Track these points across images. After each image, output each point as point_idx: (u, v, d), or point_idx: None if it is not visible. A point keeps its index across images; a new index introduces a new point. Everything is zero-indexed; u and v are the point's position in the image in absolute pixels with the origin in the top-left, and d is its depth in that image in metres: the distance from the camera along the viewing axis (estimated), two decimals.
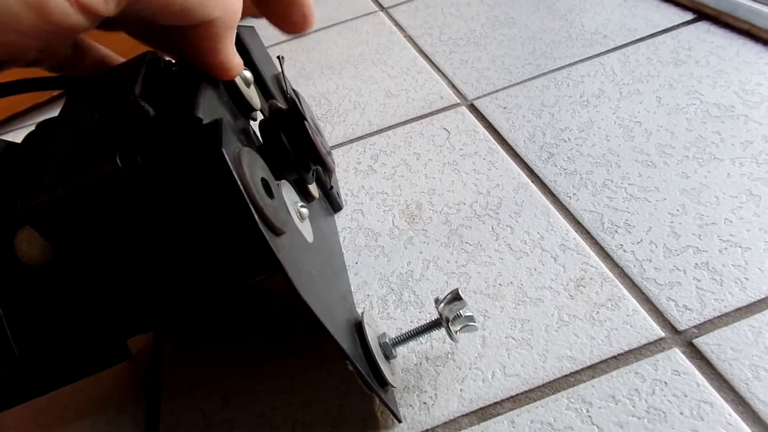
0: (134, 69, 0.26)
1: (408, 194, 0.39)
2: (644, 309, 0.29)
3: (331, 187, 0.36)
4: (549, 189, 0.37)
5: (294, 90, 0.32)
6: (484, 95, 0.47)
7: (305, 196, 0.30)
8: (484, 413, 0.27)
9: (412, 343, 0.30)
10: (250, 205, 0.19)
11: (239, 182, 0.19)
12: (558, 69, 0.47)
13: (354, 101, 0.51)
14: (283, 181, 0.26)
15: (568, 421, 0.25)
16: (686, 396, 0.25)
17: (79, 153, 0.21)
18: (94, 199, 0.20)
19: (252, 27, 0.34)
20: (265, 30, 0.70)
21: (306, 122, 0.26)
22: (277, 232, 0.20)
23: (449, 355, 0.29)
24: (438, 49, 0.55)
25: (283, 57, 0.33)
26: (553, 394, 0.27)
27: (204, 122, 0.20)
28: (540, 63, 0.49)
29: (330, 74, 0.56)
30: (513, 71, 0.49)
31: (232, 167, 0.19)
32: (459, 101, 0.47)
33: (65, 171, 0.21)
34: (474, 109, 0.46)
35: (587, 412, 0.26)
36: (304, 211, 0.26)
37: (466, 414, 0.27)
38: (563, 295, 0.30)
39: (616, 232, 0.33)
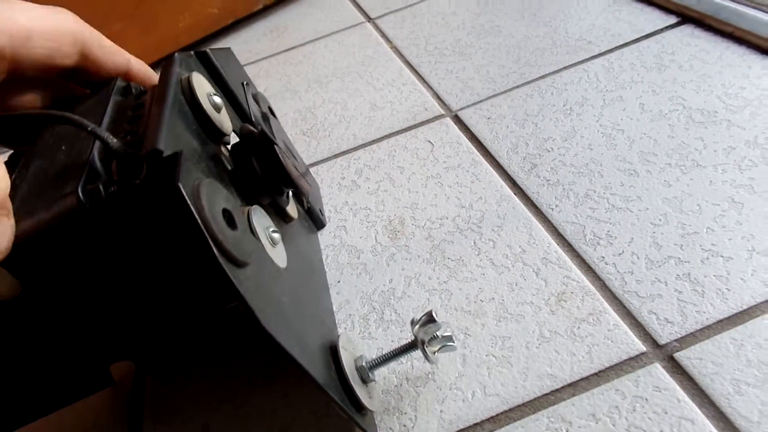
0: (104, 98, 0.26)
1: (391, 209, 0.39)
2: (625, 323, 0.29)
3: (308, 208, 0.36)
4: (531, 201, 0.37)
5: (266, 112, 0.32)
6: (468, 106, 0.47)
7: (283, 217, 0.30)
8: None
9: (392, 364, 0.29)
10: (209, 240, 0.19)
11: (197, 217, 0.19)
12: (542, 77, 0.47)
13: (339, 115, 0.51)
14: (255, 206, 0.26)
15: None
16: (666, 413, 0.25)
17: (44, 187, 0.21)
18: (59, 235, 0.20)
19: (228, 48, 0.34)
20: (253, 44, 0.71)
21: (276, 146, 0.26)
22: (238, 263, 0.20)
23: (430, 375, 0.29)
24: (423, 60, 0.55)
25: (247, 83, 0.32)
26: (533, 413, 0.26)
27: (165, 154, 0.20)
28: (524, 71, 0.49)
29: (316, 88, 0.56)
30: (497, 80, 0.49)
31: (189, 202, 0.19)
32: (443, 112, 0.47)
33: (30, 207, 0.21)
34: (458, 120, 0.46)
35: (567, 431, 0.25)
36: (276, 236, 0.26)
37: None
38: (544, 310, 0.30)
39: (598, 243, 0.33)
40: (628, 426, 0.25)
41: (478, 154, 0.42)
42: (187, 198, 0.18)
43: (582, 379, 0.27)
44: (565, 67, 0.47)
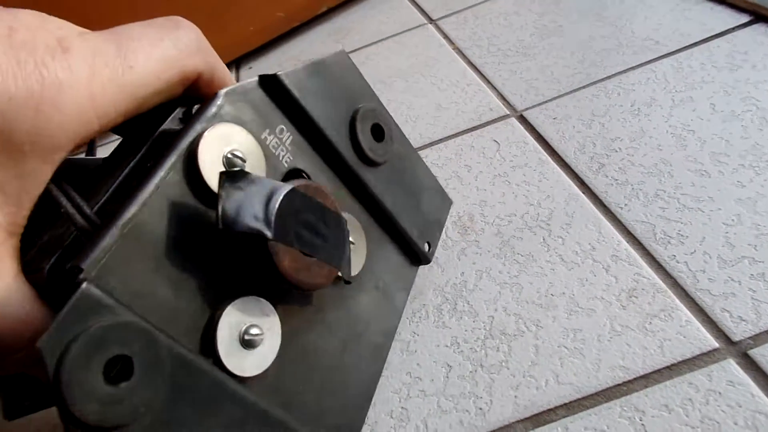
0: (153, 127, 0.24)
1: (460, 206, 0.41)
2: (698, 320, 0.29)
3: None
4: (600, 200, 0.38)
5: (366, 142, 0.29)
6: (533, 106, 0.48)
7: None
8: (538, 419, 0.28)
9: (467, 351, 0.31)
10: (62, 412, 0.16)
11: (55, 381, 0.16)
12: (608, 77, 0.48)
13: (405, 114, 0.53)
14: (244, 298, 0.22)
15: (621, 428, 0.26)
16: (741, 406, 0.26)
17: (42, 253, 0.20)
18: None
19: (339, 52, 0.30)
20: (317, 46, 0.73)
21: (273, 242, 0.21)
22: (106, 427, 0.17)
23: (503, 363, 0.30)
24: (487, 61, 0.56)
25: (368, 104, 0.30)
26: (606, 402, 0.28)
27: (82, 275, 0.17)
28: (590, 72, 0.49)
29: (381, 88, 0.58)
30: (562, 81, 0.49)
31: (47, 362, 0.16)
32: (508, 113, 0.48)
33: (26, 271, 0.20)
34: (523, 120, 0.47)
35: (640, 420, 0.26)
36: (258, 337, 0.21)
37: (521, 420, 0.28)
38: (615, 305, 0.31)
39: (669, 242, 0.33)
40: (701, 417, 0.26)
41: (545, 153, 0.43)
42: (45, 359, 0.16)
43: (654, 372, 0.28)
44: (632, 68, 0.48)
